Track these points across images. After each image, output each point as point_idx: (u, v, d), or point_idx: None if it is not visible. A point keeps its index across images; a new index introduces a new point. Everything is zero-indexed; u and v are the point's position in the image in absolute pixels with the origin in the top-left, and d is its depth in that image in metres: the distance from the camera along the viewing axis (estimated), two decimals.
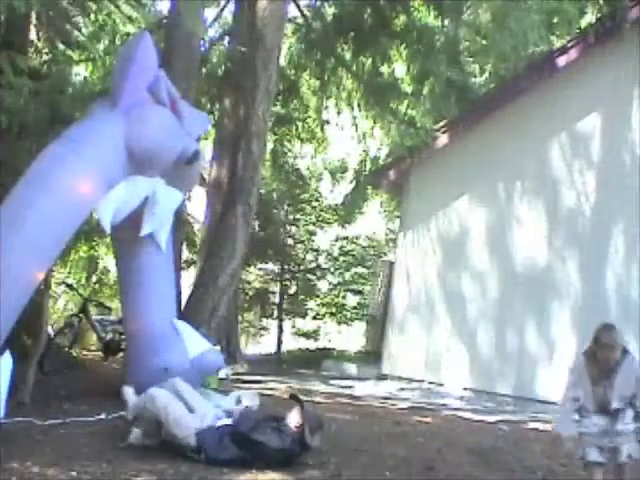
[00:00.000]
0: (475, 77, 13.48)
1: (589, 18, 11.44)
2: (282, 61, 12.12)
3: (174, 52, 8.66)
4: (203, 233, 12.40)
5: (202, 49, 10.89)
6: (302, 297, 15.73)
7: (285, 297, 15.36)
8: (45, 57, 8.58)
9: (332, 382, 10.59)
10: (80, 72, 12.27)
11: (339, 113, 14.45)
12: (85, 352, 10.59)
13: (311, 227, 15.72)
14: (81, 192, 5.74)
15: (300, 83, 13.80)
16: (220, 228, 9.34)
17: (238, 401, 5.96)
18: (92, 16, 9.61)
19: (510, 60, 11.41)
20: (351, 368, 11.96)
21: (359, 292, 16.47)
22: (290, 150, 15.28)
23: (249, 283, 15.63)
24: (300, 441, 5.16)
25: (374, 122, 13.66)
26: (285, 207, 15.06)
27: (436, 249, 11.09)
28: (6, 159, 6.56)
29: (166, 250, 7.06)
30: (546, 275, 10.05)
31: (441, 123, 11.33)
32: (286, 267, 15.15)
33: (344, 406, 8.25)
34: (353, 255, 16.43)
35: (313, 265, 15.92)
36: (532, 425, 8.06)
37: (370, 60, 12.48)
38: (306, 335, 16.09)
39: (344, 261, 16.34)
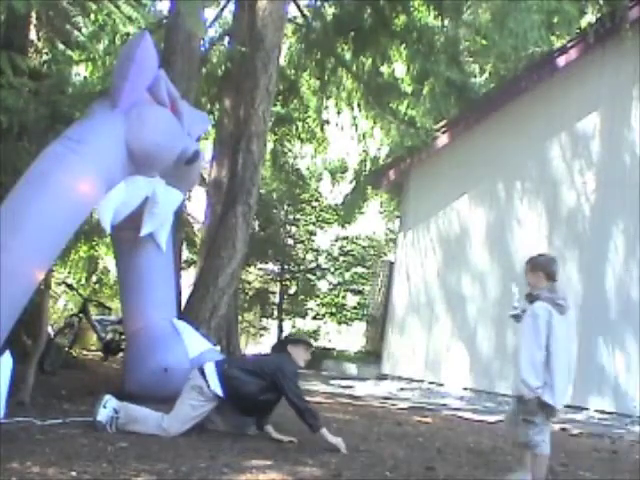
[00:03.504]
0: (475, 77, 13.45)
1: (589, 18, 11.43)
2: (282, 61, 12.11)
3: (174, 52, 8.66)
4: (203, 233, 12.39)
5: (202, 49, 10.89)
6: (302, 297, 15.75)
7: (285, 297, 15.38)
8: (45, 57, 8.58)
9: (332, 382, 10.59)
10: (80, 72, 12.28)
11: (339, 113, 14.43)
12: (85, 352, 10.60)
13: (311, 227, 15.74)
14: (81, 192, 5.73)
15: (300, 83, 13.79)
16: (220, 228, 9.32)
17: None
18: (92, 16, 9.60)
19: (510, 60, 11.41)
20: (351, 368, 11.96)
21: (359, 292, 16.48)
22: (290, 150, 15.27)
23: (249, 283, 15.64)
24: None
25: (374, 122, 13.64)
26: (285, 207, 15.08)
27: (436, 249, 11.09)
28: (6, 159, 6.55)
29: (166, 250, 7.07)
30: None
31: (441, 123, 11.33)
32: (286, 267, 15.16)
33: (344, 406, 8.25)
34: (353, 255, 16.44)
35: (313, 265, 15.94)
36: None
37: (370, 60, 12.46)
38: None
39: (344, 261, 16.35)
